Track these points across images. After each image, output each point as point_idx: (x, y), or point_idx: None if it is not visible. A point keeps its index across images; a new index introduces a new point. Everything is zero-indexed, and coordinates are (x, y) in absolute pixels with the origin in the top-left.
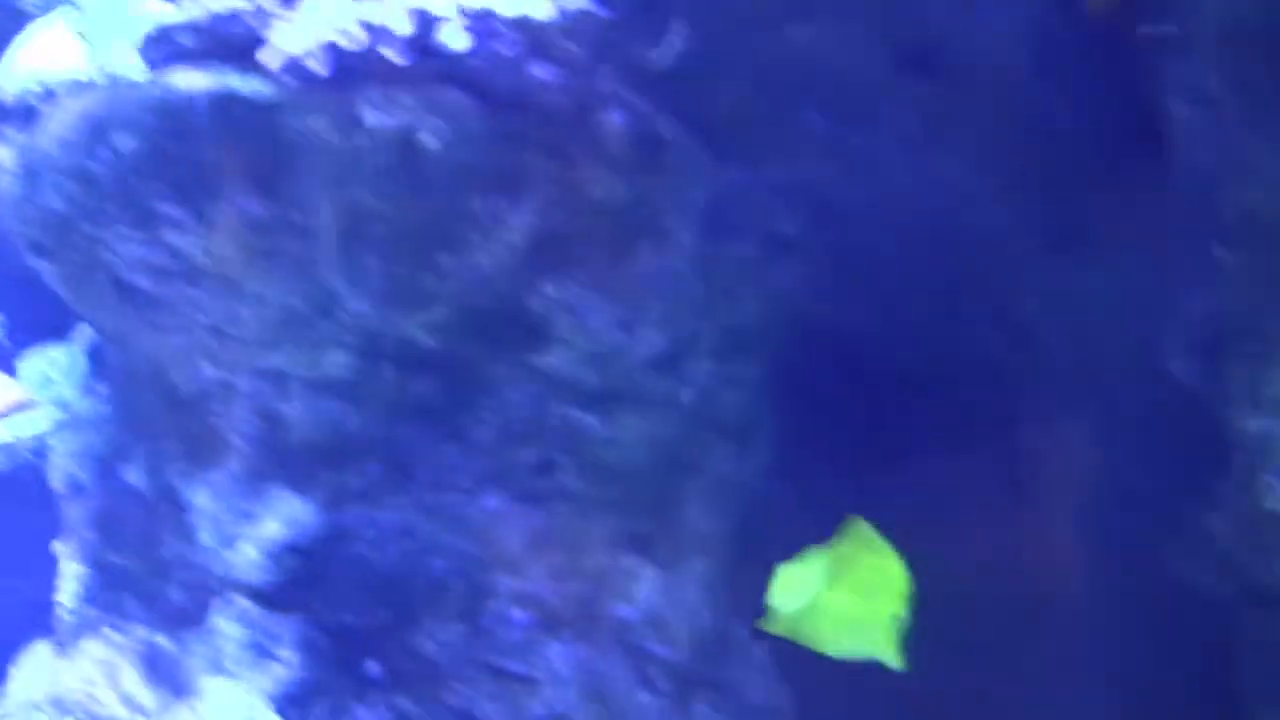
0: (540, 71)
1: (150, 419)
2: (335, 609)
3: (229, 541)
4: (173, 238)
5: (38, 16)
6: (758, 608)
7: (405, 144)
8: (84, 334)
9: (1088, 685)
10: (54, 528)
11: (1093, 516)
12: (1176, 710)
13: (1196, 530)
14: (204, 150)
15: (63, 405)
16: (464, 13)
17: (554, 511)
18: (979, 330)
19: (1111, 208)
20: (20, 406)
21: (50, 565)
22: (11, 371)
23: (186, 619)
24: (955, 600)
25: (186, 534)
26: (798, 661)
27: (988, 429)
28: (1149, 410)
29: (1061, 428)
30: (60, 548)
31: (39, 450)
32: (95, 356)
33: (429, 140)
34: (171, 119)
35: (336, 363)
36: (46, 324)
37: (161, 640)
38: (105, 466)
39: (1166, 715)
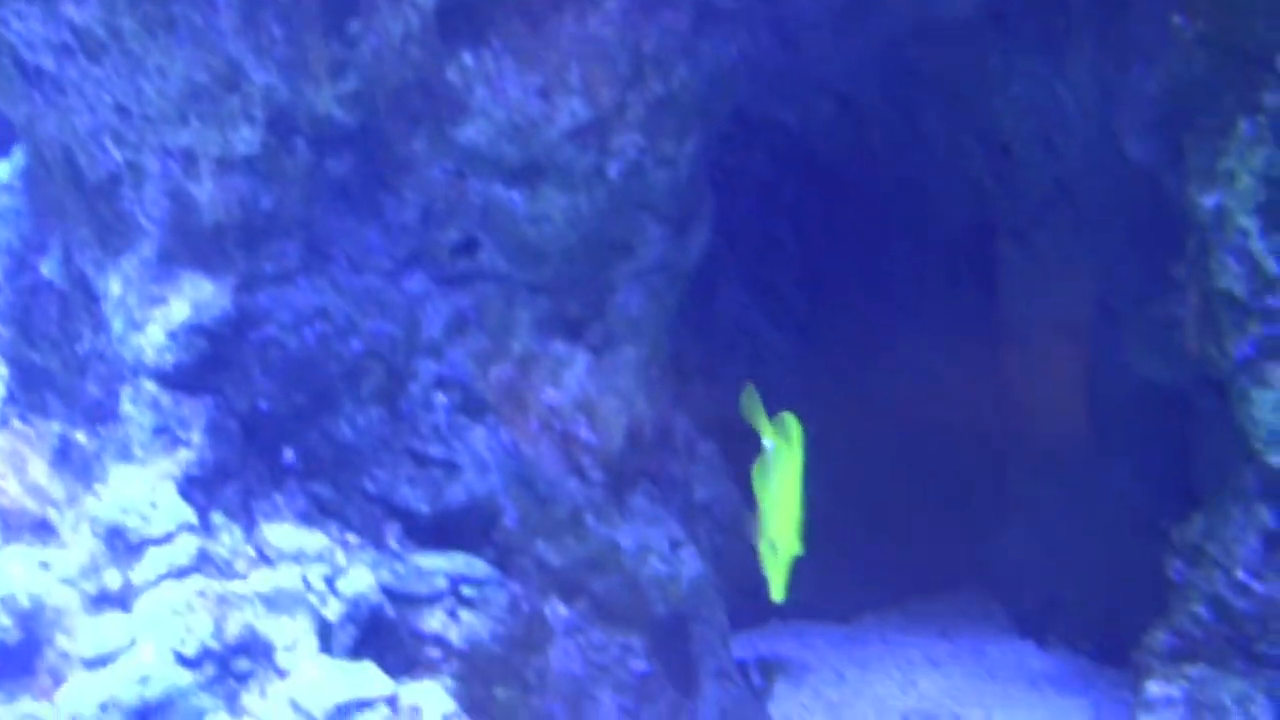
0: None
1: (62, 209)
2: (247, 394)
3: (138, 326)
4: (70, 11)
5: None
6: (703, 401)
7: None
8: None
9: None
10: None
11: (1063, 320)
12: (1145, 500)
13: (1158, 320)
14: None
15: None
16: None
17: (478, 293)
18: (941, 118)
19: None
20: None
21: None
22: None
23: (104, 412)
24: (925, 413)
25: (103, 327)
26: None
27: (955, 224)
28: (1116, 205)
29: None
30: None
31: None
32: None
33: None
34: None
35: (246, 139)
36: None
37: (78, 435)
38: (19, 261)
39: (1135, 507)
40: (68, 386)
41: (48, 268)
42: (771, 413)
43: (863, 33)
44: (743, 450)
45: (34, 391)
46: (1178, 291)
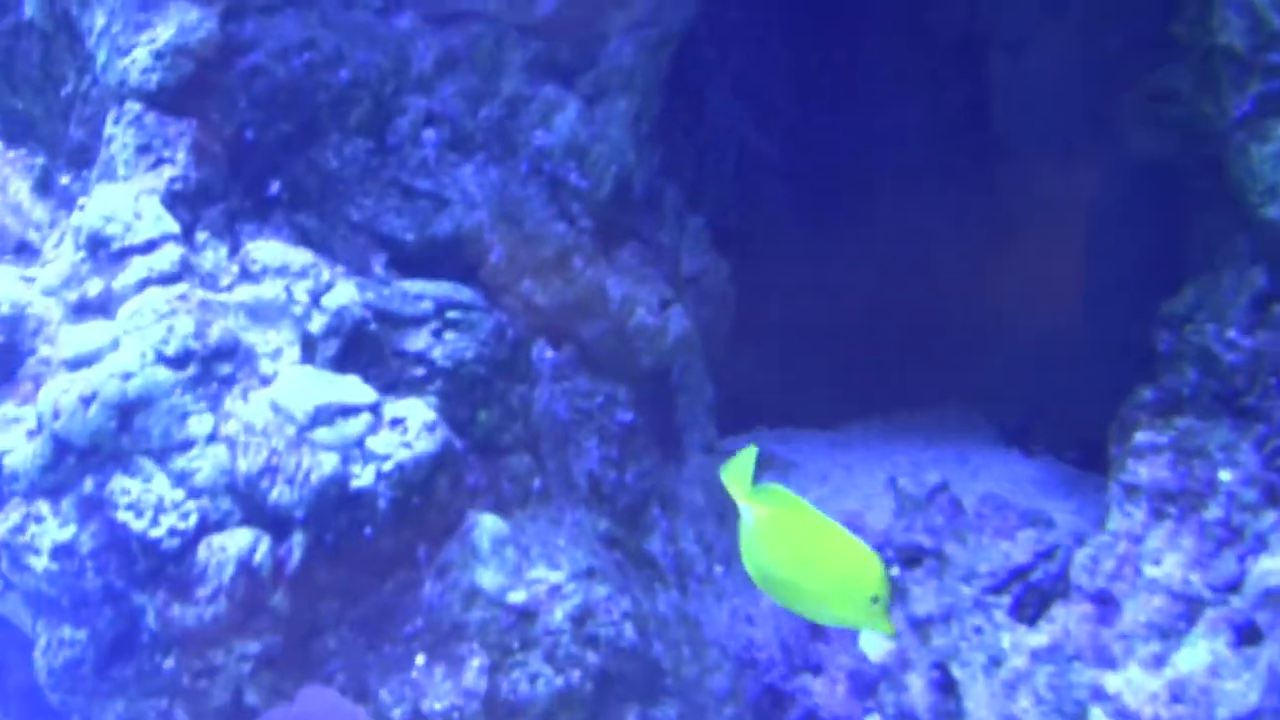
0: None
1: None
2: (233, 121)
3: (123, 52)
4: None
5: None
6: (691, 162)
7: None
8: None
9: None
10: None
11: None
12: (1138, 289)
13: (1154, 94)
14: None
15: None
16: None
17: (469, 32)
18: None
19: None
20: None
21: None
22: None
23: (89, 156)
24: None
25: (87, 67)
26: (738, 238)
27: (946, 37)
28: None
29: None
30: None
31: None
32: None
33: None
34: None
35: None
36: None
37: (63, 177)
38: (1, 4)
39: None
40: (50, 132)
41: (30, 7)
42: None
43: None
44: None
45: (18, 139)
46: (1174, 63)
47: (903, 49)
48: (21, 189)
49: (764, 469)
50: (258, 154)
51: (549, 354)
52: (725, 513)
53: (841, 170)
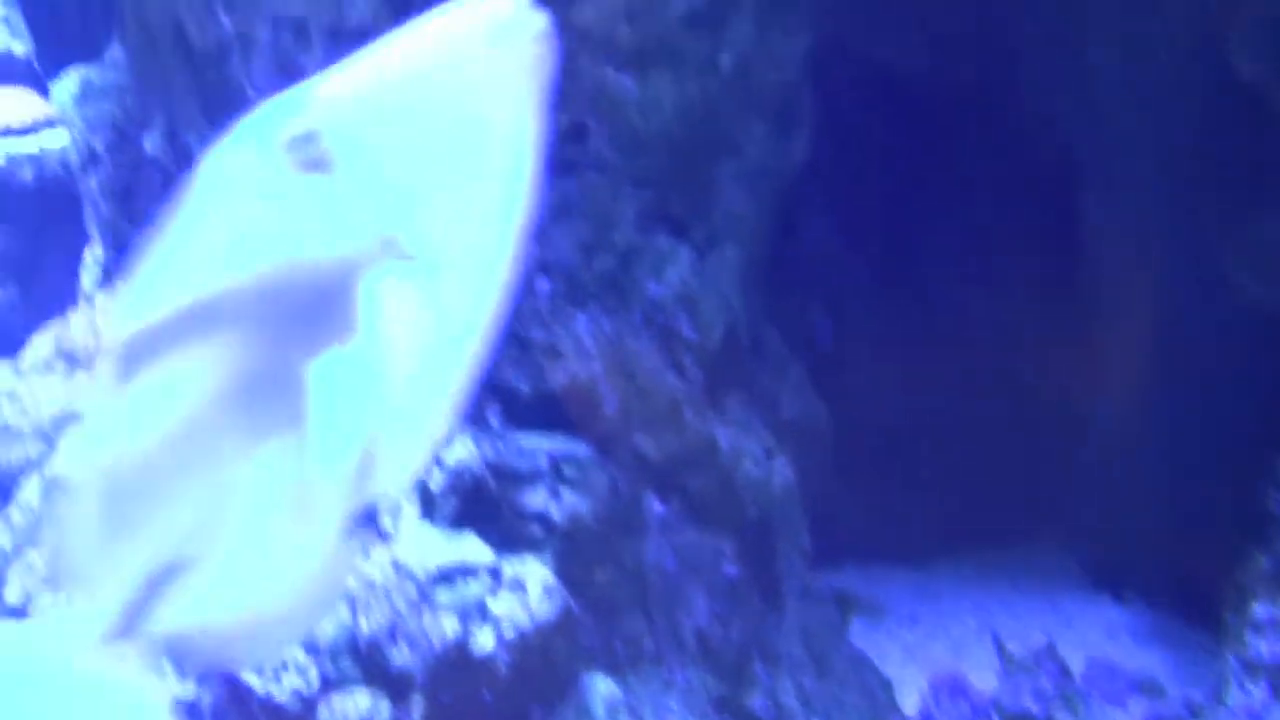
0: None
1: (167, 82)
2: None
3: None
4: None
5: None
6: (794, 313)
7: None
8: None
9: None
10: (79, 241)
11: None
12: (1241, 437)
13: (1257, 237)
14: None
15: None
16: None
17: (584, 181)
18: (1026, 48)
19: None
20: (47, 123)
21: (73, 277)
22: (40, 90)
23: None
24: (1003, 349)
25: None
26: (837, 380)
27: (1038, 156)
28: (1210, 132)
29: (1120, 159)
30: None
31: (68, 163)
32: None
33: None
34: None
35: (359, 10)
36: (76, 45)
37: None
38: (121, 135)
39: (1226, 449)
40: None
41: (150, 142)
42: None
43: None
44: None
45: (127, 262)
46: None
47: (998, 186)
48: None
49: (853, 612)
50: None
51: (658, 507)
52: (822, 662)
53: (933, 304)
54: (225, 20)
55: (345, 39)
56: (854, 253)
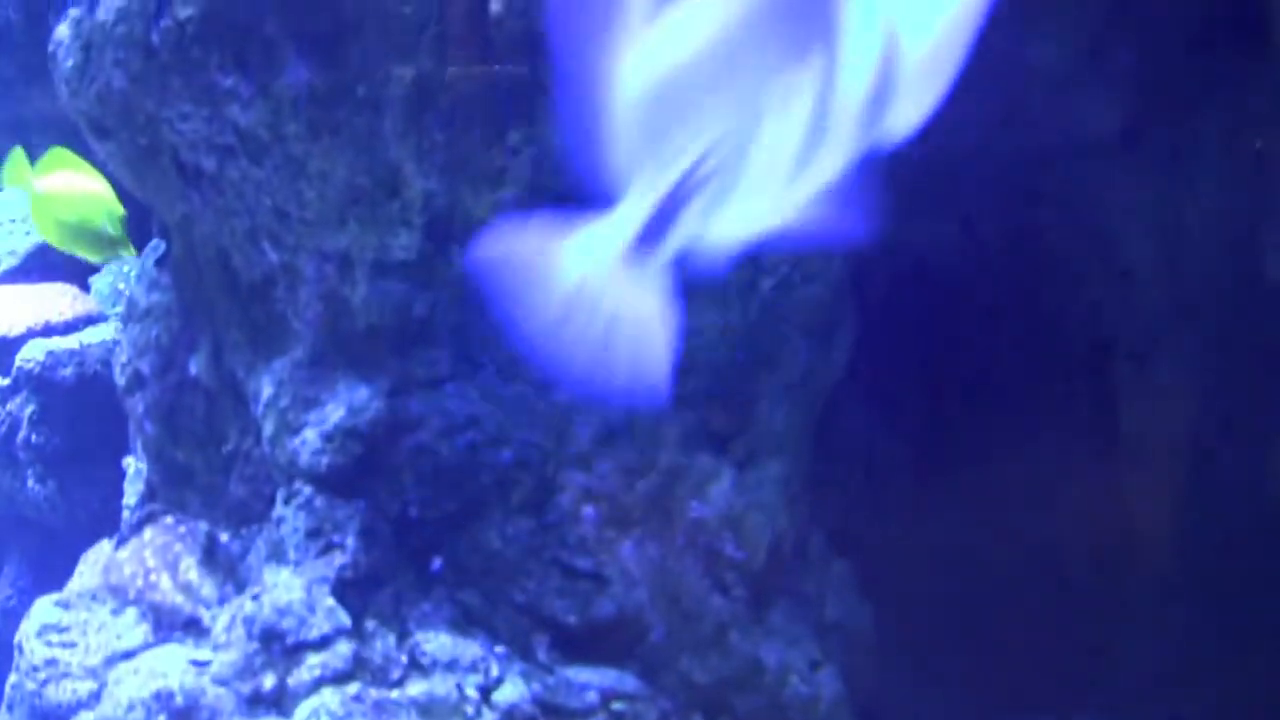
0: None
1: (213, 308)
2: (400, 499)
3: (292, 429)
4: (234, 113)
5: None
6: (836, 516)
7: (475, 12)
8: (156, 246)
9: (1186, 617)
10: (120, 439)
11: (1190, 442)
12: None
13: None
14: (264, 17)
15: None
16: None
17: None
18: (1063, 241)
19: (1210, 108)
20: (88, 319)
21: (114, 475)
22: (79, 283)
23: (249, 513)
24: (1035, 522)
25: (249, 425)
26: (880, 580)
27: (1074, 345)
28: (1243, 324)
29: (1153, 350)
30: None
31: (107, 360)
32: (158, 251)
33: (498, 8)
34: None
35: (403, 244)
36: None
37: (223, 534)
38: (167, 358)
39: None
40: (210, 485)
41: (196, 366)
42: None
43: (994, 154)
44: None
45: (175, 488)
46: None
47: (1028, 354)
48: (190, 565)
49: None
50: (422, 532)
51: None
52: None
53: (968, 474)
54: (271, 253)
55: (390, 272)
56: (894, 440)
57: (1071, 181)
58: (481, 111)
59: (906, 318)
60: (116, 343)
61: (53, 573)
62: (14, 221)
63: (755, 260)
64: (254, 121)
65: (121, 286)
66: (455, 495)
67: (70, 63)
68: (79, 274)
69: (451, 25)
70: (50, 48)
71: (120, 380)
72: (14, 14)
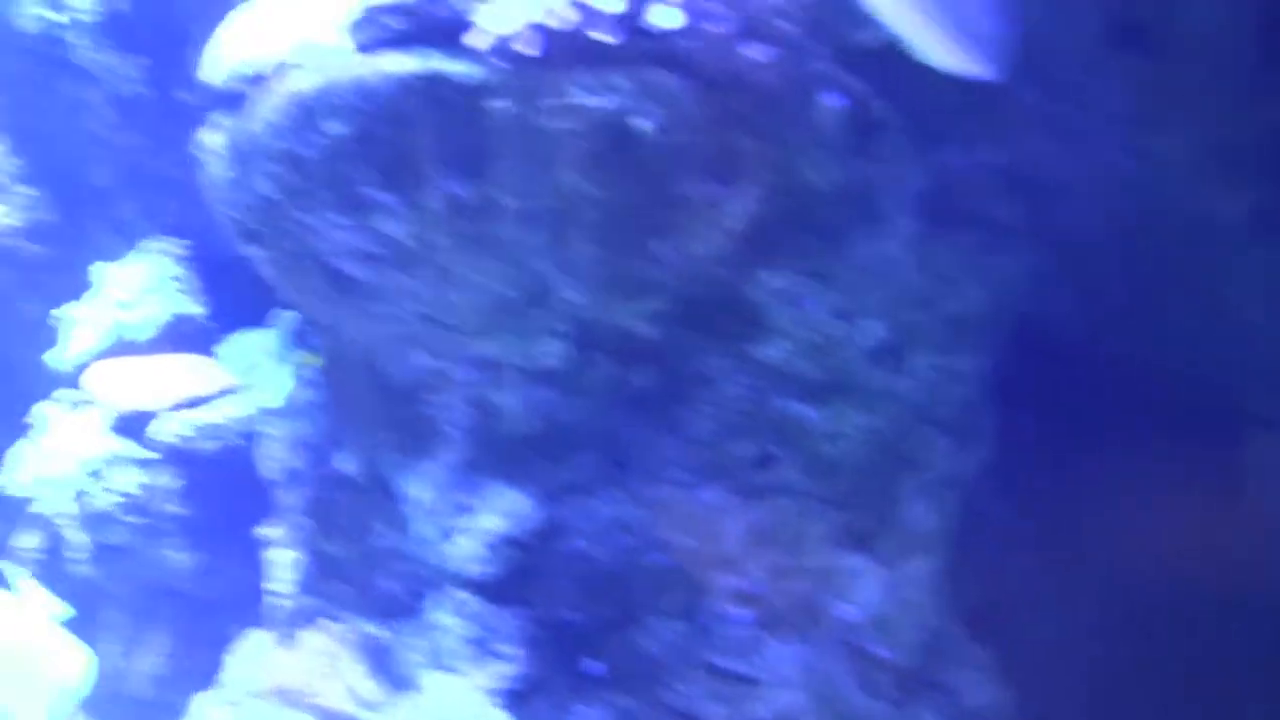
0: (753, 52)
1: (362, 407)
2: (555, 604)
3: (446, 533)
4: (382, 223)
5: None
6: (976, 605)
7: (618, 127)
8: (284, 319)
9: None
10: (257, 511)
11: None
12: None
13: None
14: (413, 134)
15: (267, 389)
16: None
17: (774, 506)
18: (1195, 321)
19: None
20: (226, 391)
21: (252, 546)
22: (212, 355)
23: (402, 609)
24: (1168, 597)
25: (400, 523)
26: (1018, 663)
27: (1203, 424)
28: None
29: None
30: (271, 534)
31: (246, 434)
32: (299, 341)
33: (642, 123)
34: (379, 103)
35: (550, 352)
36: (247, 307)
37: (380, 632)
38: (318, 454)
39: None
40: (361, 579)
41: (346, 464)
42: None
43: (1130, 237)
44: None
45: (326, 579)
46: None
47: (1159, 426)
48: (353, 668)
49: None
50: (578, 636)
51: None
52: None
53: (1102, 552)
54: (421, 358)
55: (538, 379)
56: (1020, 511)
57: (1199, 255)
58: (626, 224)
59: (1040, 400)
60: (263, 433)
61: (195, 641)
62: (150, 293)
63: (897, 364)
64: (403, 233)
65: (254, 358)
66: (609, 599)
67: (221, 170)
68: (209, 344)
69: (597, 142)
70: (196, 150)
71: (270, 474)
72: (145, 88)
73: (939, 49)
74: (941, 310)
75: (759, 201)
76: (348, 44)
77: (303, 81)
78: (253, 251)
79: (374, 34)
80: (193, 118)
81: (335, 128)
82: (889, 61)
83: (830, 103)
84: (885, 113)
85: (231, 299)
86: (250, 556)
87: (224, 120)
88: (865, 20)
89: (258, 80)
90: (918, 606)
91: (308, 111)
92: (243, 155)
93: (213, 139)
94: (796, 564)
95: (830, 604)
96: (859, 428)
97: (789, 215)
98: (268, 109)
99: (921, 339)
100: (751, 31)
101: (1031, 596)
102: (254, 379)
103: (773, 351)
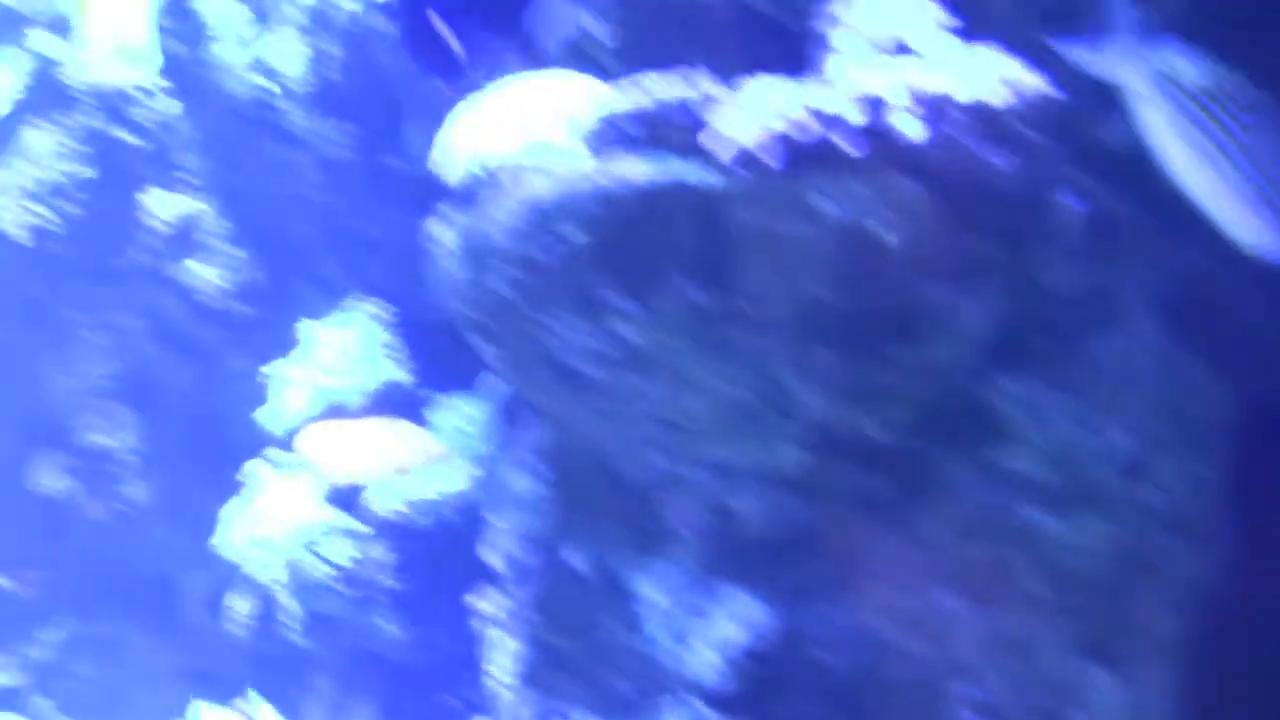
0: (994, 157)
1: (592, 503)
2: (792, 715)
3: (680, 638)
4: (619, 327)
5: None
6: (1219, 715)
7: (859, 235)
8: (493, 387)
9: None
10: (468, 583)
11: None
12: None
13: None
14: (651, 240)
15: (478, 461)
16: (917, 98)
17: (1012, 614)
18: None
19: None
20: (437, 461)
21: (462, 619)
22: (421, 422)
23: (634, 709)
24: None
25: (631, 622)
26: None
27: None
28: None
29: None
30: (488, 615)
31: (458, 506)
32: (510, 415)
33: (883, 231)
34: (618, 209)
35: (787, 457)
36: (455, 373)
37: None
38: (545, 548)
39: None
40: (587, 674)
41: (575, 558)
42: None
43: None
44: None
45: (551, 671)
46: None
47: None
48: None
49: None
50: None
51: None
52: None
53: None
54: (657, 460)
55: (776, 485)
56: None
57: None
58: (866, 331)
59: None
60: (487, 520)
61: (402, 712)
62: (356, 355)
63: (1143, 473)
64: (640, 337)
65: (463, 426)
66: (846, 709)
67: (454, 268)
68: (418, 409)
69: (837, 250)
70: (425, 244)
71: (494, 562)
72: (352, 154)
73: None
74: (1186, 415)
75: (999, 307)
76: (584, 148)
77: (539, 186)
78: (481, 345)
79: (612, 139)
80: (398, 183)
81: (573, 233)
82: (1131, 162)
83: (1071, 205)
84: (1127, 214)
85: (438, 363)
86: (460, 629)
87: (455, 215)
88: (1107, 119)
89: (491, 180)
90: (1158, 717)
91: (545, 216)
92: (475, 253)
93: (443, 232)
94: (1034, 673)
95: (1069, 714)
96: (1100, 536)
97: (1030, 320)
98: (502, 211)
99: (1165, 445)
100: (992, 136)
101: (1275, 706)
102: (463, 447)
103: (1013, 459)
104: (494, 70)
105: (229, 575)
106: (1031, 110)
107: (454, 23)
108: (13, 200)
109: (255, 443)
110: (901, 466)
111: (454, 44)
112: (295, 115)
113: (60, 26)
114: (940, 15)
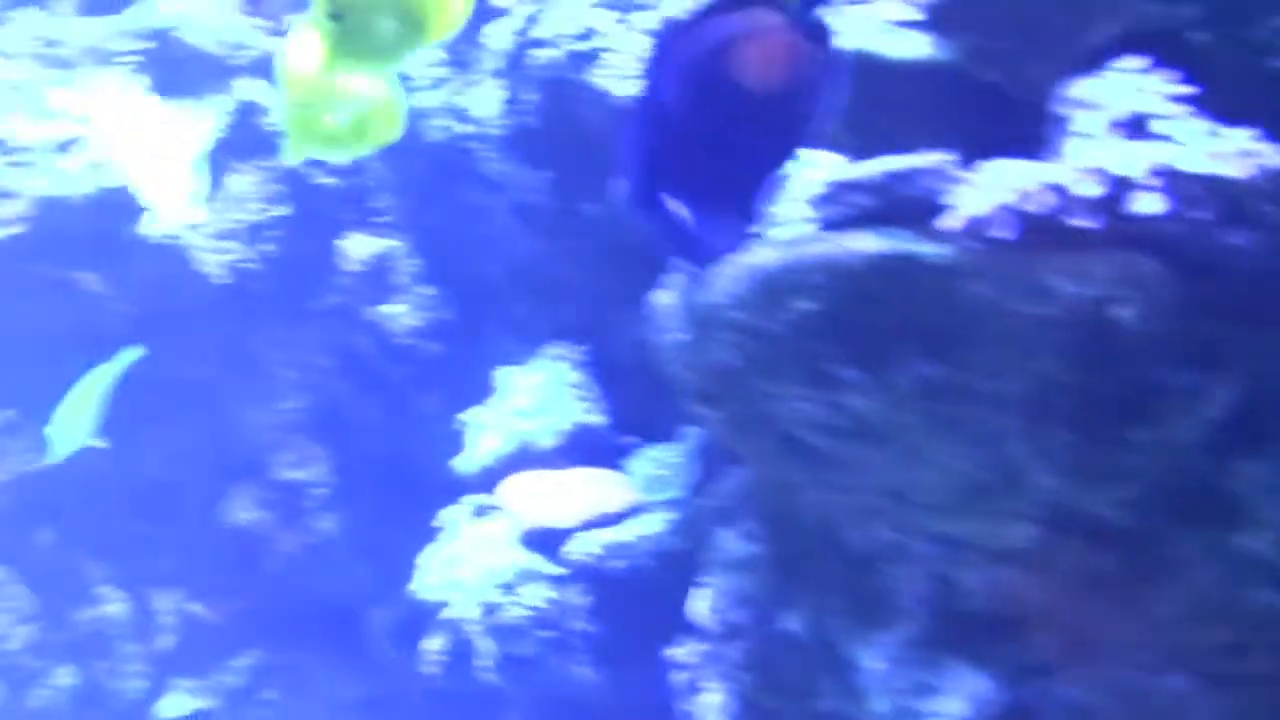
0: (1234, 236)
1: (813, 570)
2: None
3: (904, 712)
4: (848, 400)
5: None
6: None
7: (1097, 314)
8: (691, 435)
9: None
10: (664, 629)
11: None
12: None
13: None
14: (882, 313)
15: (675, 507)
16: (1156, 174)
17: (1244, 695)
18: None
19: None
20: (636, 509)
21: (657, 665)
22: (614, 466)
23: None
24: None
25: (850, 691)
26: None
27: None
28: None
29: None
30: (688, 663)
31: (654, 553)
32: (706, 465)
33: (1122, 311)
34: (848, 281)
35: (1019, 535)
36: (651, 419)
37: None
38: (761, 611)
39: None
40: None
41: (791, 620)
42: None
43: None
44: None
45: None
46: None
47: None
48: None
49: None
50: None
51: None
52: None
53: None
54: (882, 531)
55: (1004, 560)
56: None
57: None
58: (1103, 411)
59: None
60: (688, 573)
61: None
62: (551, 400)
63: None
64: (869, 409)
65: (660, 474)
66: None
67: (680, 336)
68: (614, 455)
69: (1074, 329)
70: (650, 312)
71: (704, 619)
72: (546, 198)
73: None
74: None
75: (1239, 389)
76: (812, 218)
77: (768, 256)
78: (705, 412)
79: (841, 211)
80: (594, 229)
81: (802, 304)
82: None
83: None
84: None
85: (633, 409)
86: (654, 677)
87: (681, 280)
88: None
89: None
90: None
91: (773, 287)
92: (701, 321)
93: (667, 297)
94: None
95: None
96: None
97: (1268, 402)
98: (729, 279)
99: None
100: (1232, 214)
101: None
102: (661, 495)
103: (1249, 540)
104: (734, 245)
105: (416, 610)
106: (1271, 184)
107: (690, 204)
108: (214, 240)
109: (445, 479)
110: (1133, 545)
111: (692, 225)
112: (490, 159)
113: (263, 70)
114: (1180, 91)
